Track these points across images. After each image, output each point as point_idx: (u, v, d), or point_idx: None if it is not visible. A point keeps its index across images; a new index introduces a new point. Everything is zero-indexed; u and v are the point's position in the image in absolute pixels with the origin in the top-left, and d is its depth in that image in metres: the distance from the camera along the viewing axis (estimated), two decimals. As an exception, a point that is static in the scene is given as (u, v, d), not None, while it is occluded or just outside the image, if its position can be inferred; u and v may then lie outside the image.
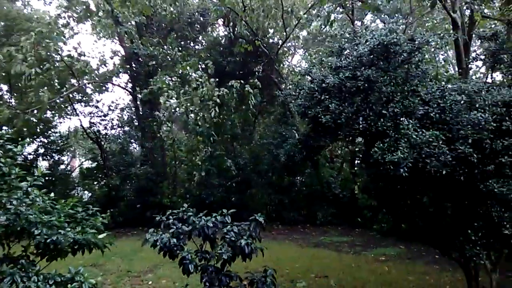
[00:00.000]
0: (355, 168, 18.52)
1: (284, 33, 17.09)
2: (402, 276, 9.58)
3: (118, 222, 18.48)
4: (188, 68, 13.86)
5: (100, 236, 5.78)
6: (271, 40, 19.47)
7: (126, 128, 22.25)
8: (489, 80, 12.16)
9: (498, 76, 10.12)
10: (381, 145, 6.07)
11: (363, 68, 6.32)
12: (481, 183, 5.65)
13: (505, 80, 8.40)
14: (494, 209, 5.52)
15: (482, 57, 9.06)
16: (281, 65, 20.51)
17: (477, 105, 6.04)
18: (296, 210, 18.46)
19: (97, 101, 21.78)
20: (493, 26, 10.15)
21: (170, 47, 18.37)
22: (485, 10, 10.85)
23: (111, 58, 22.04)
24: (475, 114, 5.76)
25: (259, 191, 18.56)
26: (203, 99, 12.92)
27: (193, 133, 16.07)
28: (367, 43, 6.35)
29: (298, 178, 19.09)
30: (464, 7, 12.61)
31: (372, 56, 6.34)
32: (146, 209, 17.88)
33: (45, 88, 15.40)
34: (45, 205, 5.37)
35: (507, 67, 8.02)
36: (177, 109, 14.03)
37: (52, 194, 5.66)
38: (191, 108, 13.42)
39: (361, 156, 12.09)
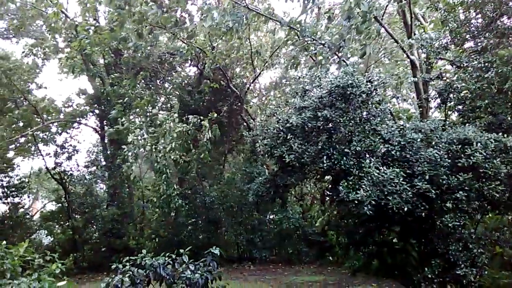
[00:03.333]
0: (325, 205, 18.64)
1: (253, 73, 17.52)
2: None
3: (82, 267, 17.57)
4: (145, 104, 13.89)
5: (59, 284, 5.52)
6: (239, 80, 19.84)
7: (93, 168, 21.64)
8: (450, 117, 12.82)
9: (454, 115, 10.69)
10: (346, 183, 6.19)
11: (323, 108, 6.54)
12: (439, 218, 5.82)
13: (460, 118, 8.89)
14: (451, 247, 5.66)
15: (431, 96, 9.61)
16: (249, 104, 20.85)
17: (433, 143, 6.32)
18: (267, 249, 18.17)
19: (64, 141, 21.19)
20: (444, 67, 10.85)
21: (133, 86, 18.36)
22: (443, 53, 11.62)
23: (79, 96, 21.66)
24: (431, 151, 6.01)
25: (229, 230, 18.24)
26: (165, 135, 12.94)
27: (155, 171, 15.87)
28: (326, 85, 6.62)
29: (268, 216, 18.95)
30: (421, 50, 13.42)
31: (330, 98, 6.59)
32: (112, 252, 17.12)
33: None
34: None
35: (454, 105, 8.54)
36: (143, 147, 13.91)
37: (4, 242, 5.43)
38: (155, 147, 13.36)
39: (329, 193, 12.24)
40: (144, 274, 5.32)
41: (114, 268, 5.50)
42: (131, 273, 5.33)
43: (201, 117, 14.66)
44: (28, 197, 23.60)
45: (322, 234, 17.70)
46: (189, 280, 5.29)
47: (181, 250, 5.90)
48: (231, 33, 10.97)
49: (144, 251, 5.88)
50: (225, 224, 18.32)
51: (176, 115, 15.12)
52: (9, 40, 22.14)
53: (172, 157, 14.32)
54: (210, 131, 14.48)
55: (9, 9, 19.23)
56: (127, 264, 5.51)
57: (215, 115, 15.64)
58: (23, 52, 19.19)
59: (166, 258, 5.61)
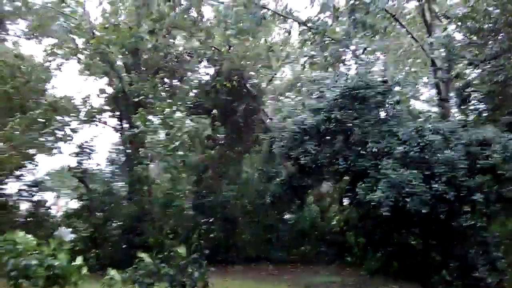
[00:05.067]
0: (342, 206, 18.49)
1: (268, 74, 17.49)
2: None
3: (104, 264, 17.86)
4: (167, 107, 14.12)
5: (77, 262, 6.09)
6: (255, 80, 19.81)
7: (112, 166, 22.00)
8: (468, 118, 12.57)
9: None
10: (363, 184, 6.14)
11: (337, 110, 6.50)
12: (456, 220, 5.71)
13: (476, 118, 8.73)
14: (471, 250, 5.54)
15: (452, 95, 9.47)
16: (265, 105, 20.75)
17: (451, 145, 6.19)
18: (285, 248, 18.15)
19: (84, 140, 21.56)
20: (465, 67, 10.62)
21: (154, 86, 18.57)
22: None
23: (98, 96, 21.95)
24: (449, 153, 5.89)
25: (246, 229, 18.30)
26: (174, 135, 13.13)
27: (166, 170, 16.12)
28: (337, 88, 6.58)
29: (286, 216, 18.93)
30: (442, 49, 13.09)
31: (342, 100, 6.54)
32: (132, 249, 17.34)
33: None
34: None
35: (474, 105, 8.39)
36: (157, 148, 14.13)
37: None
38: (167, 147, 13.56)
39: (347, 194, 12.17)
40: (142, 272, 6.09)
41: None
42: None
43: (203, 116, 14.76)
44: (52, 194, 24.13)
45: (341, 235, 17.58)
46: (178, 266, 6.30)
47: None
48: (247, 33, 10.99)
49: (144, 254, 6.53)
50: (242, 224, 18.38)
51: (182, 114, 15.22)
52: (30, 40, 22.71)
53: (178, 154, 14.45)
54: (211, 129, 14.54)
55: (30, 10, 19.72)
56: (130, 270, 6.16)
57: (216, 112, 15.72)
58: (44, 51, 19.68)
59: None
